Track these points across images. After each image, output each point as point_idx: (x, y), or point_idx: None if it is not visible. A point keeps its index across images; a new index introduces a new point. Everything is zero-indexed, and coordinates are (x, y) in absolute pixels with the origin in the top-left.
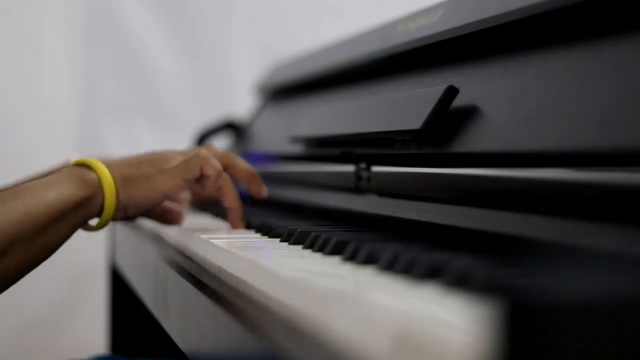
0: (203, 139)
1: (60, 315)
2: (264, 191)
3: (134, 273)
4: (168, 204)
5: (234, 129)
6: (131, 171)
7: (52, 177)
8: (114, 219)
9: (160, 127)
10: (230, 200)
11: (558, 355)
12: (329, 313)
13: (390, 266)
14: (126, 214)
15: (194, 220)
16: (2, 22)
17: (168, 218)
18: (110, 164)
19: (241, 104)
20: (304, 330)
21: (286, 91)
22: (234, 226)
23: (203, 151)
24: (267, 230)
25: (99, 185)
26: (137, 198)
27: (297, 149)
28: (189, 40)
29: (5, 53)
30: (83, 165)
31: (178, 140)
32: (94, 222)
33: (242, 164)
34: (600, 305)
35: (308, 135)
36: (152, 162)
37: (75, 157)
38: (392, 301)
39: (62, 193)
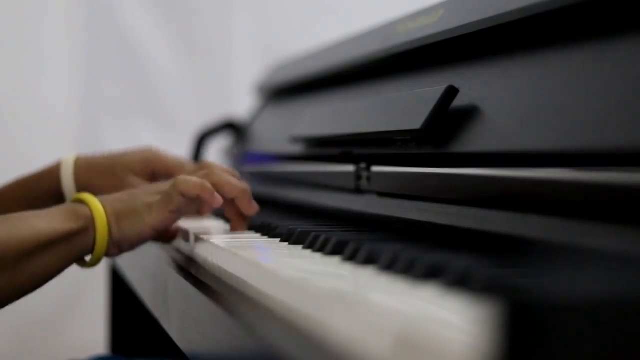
0: (203, 139)
1: (60, 315)
2: (252, 209)
3: (134, 273)
4: None
5: (234, 129)
6: (122, 206)
7: (45, 209)
8: (110, 254)
9: (160, 127)
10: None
11: (558, 355)
12: (329, 313)
13: (390, 266)
14: (120, 250)
15: (193, 220)
16: (2, 22)
17: (164, 238)
18: (104, 199)
19: (241, 104)
20: (303, 330)
21: (286, 91)
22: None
23: (180, 177)
24: (267, 230)
25: (91, 219)
26: (129, 234)
27: (297, 149)
28: (189, 41)
29: (5, 53)
30: (78, 201)
31: (178, 140)
32: (89, 258)
33: (225, 181)
34: (600, 305)
35: (308, 135)
36: (140, 196)
37: (69, 158)
38: (392, 301)
39: (51, 223)
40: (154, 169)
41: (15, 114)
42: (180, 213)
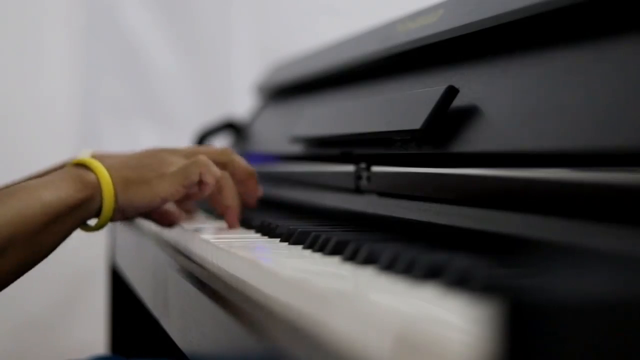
0: (203, 139)
1: (60, 315)
2: (259, 191)
3: (134, 273)
4: (168, 205)
5: (234, 129)
6: (130, 174)
7: (49, 177)
8: (113, 219)
9: (160, 127)
10: (230, 199)
11: (558, 355)
12: (329, 313)
13: (390, 266)
14: (124, 216)
15: (193, 219)
16: (2, 22)
17: (167, 220)
18: (109, 166)
19: (241, 104)
20: (303, 330)
21: (286, 91)
22: (231, 226)
23: (202, 158)
24: (267, 230)
25: (97, 187)
26: (136, 202)
27: (297, 149)
28: (189, 40)
29: (5, 53)
30: (82, 166)
31: (178, 140)
32: (92, 222)
33: (240, 162)
34: (600, 305)
35: (308, 135)
36: (152, 165)
37: (85, 154)
38: (392, 301)
39: (59, 194)
40: None
41: (15, 113)
42: (187, 190)
